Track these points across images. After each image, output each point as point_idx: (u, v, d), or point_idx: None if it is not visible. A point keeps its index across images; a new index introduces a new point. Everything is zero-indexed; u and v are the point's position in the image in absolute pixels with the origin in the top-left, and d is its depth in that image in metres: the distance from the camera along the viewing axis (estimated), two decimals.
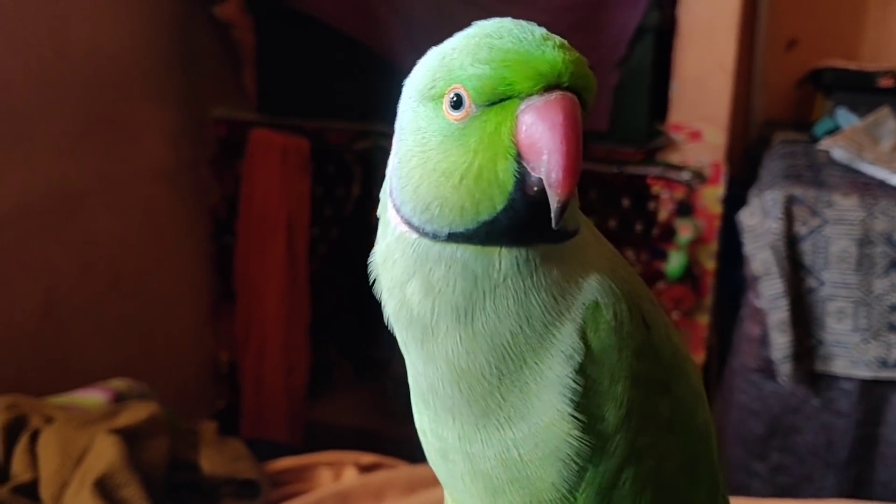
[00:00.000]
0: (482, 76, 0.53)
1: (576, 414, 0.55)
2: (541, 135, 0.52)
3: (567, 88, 0.52)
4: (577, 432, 0.55)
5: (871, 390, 1.75)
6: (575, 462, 0.55)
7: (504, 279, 0.54)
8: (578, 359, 0.55)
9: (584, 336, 0.55)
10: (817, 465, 1.80)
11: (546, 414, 0.55)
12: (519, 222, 0.54)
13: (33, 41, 1.75)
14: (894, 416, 1.75)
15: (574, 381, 0.55)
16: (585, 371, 0.55)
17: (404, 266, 0.58)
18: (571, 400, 0.55)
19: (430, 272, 0.57)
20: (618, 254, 0.62)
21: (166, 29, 2.14)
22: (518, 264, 0.55)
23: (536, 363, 0.55)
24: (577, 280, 0.56)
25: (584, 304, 0.56)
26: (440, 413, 0.59)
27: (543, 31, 0.54)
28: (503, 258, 0.55)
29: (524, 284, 0.55)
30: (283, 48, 2.25)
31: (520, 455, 0.56)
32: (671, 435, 0.58)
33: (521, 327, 0.55)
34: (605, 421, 0.55)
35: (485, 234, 0.54)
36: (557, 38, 0.54)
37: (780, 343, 1.72)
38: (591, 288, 0.56)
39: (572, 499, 0.56)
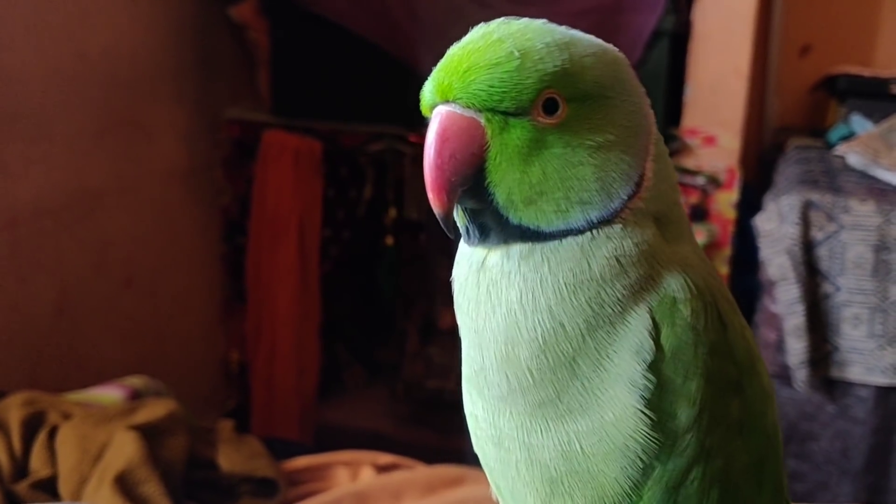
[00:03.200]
0: None
1: (646, 411, 0.54)
2: None
3: (462, 100, 0.54)
4: (645, 429, 0.54)
5: (887, 397, 1.74)
6: (641, 459, 0.55)
7: (498, 275, 0.57)
8: (649, 355, 0.54)
9: (655, 332, 0.55)
10: (833, 473, 1.79)
11: (613, 409, 0.55)
12: (469, 224, 0.57)
13: (52, 42, 1.76)
14: None
15: (646, 378, 0.54)
16: (659, 368, 0.54)
17: (456, 259, 0.62)
18: (642, 397, 0.54)
19: (459, 264, 0.61)
20: (698, 249, 0.62)
21: (182, 30, 2.15)
22: (503, 262, 0.57)
23: (596, 360, 0.55)
24: (631, 275, 0.55)
25: (652, 299, 0.55)
26: (493, 402, 0.59)
27: (476, 35, 0.55)
28: (490, 255, 0.57)
29: (526, 281, 0.56)
30: (298, 50, 2.25)
31: (581, 448, 0.56)
32: (740, 435, 0.58)
33: (551, 324, 0.55)
34: (676, 419, 0.55)
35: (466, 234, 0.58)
36: (469, 46, 0.55)
37: (796, 349, 1.72)
38: (662, 283, 0.56)
39: (636, 496, 0.56)
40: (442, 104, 0.55)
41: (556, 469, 0.57)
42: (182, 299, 2.28)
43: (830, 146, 2.08)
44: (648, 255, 0.57)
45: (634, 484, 0.55)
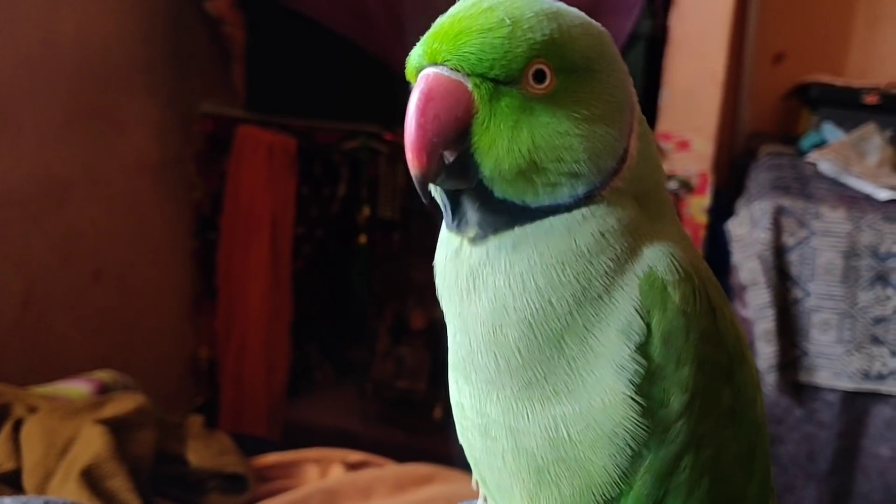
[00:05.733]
0: None
1: (636, 397, 0.54)
2: None
3: (451, 62, 0.53)
4: (635, 416, 0.54)
5: (853, 402, 1.76)
6: (630, 446, 0.54)
7: (481, 264, 0.56)
8: (638, 338, 0.54)
9: (645, 315, 0.54)
10: (799, 476, 1.81)
11: (602, 394, 0.54)
12: (447, 208, 0.56)
13: (22, 29, 1.73)
14: (875, 427, 1.77)
15: (636, 363, 0.54)
16: (649, 353, 0.54)
17: (438, 243, 0.61)
18: (631, 382, 0.54)
19: (439, 249, 0.60)
20: (683, 231, 0.62)
21: (156, 22, 2.13)
22: (486, 252, 0.56)
23: (583, 338, 0.54)
24: (616, 247, 0.55)
25: (637, 273, 0.55)
26: (481, 385, 0.58)
27: (466, 4, 0.55)
28: (467, 243, 0.57)
29: (513, 266, 0.55)
30: (274, 45, 2.24)
31: (569, 435, 0.55)
32: (731, 423, 0.58)
33: (540, 303, 0.54)
34: (667, 406, 0.54)
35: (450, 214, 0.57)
36: (459, 14, 0.54)
37: (766, 353, 1.73)
38: (648, 264, 0.55)
39: (625, 485, 0.55)
40: (429, 66, 0.54)
41: (542, 458, 0.56)
42: (151, 294, 2.25)
43: (802, 153, 2.10)
44: (632, 229, 0.56)
45: (624, 472, 0.55)
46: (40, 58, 1.78)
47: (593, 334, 0.54)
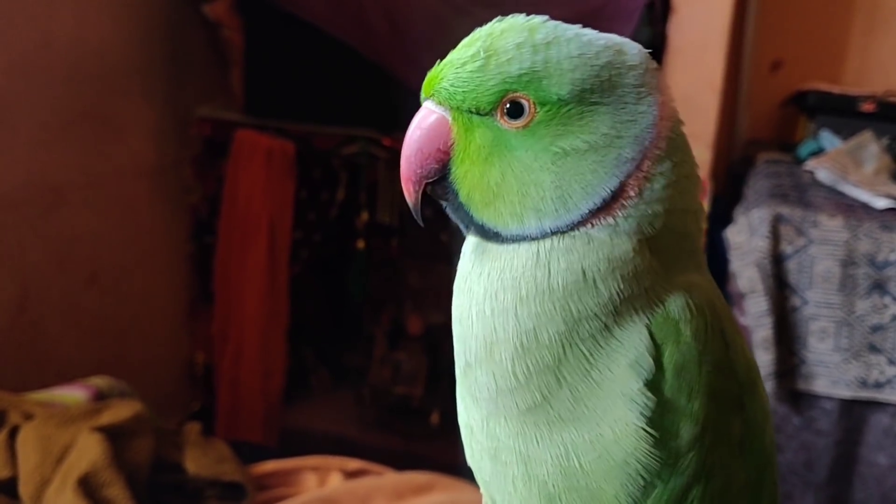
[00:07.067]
0: None
1: (648, 429, 0.53)
2: None
3: (434, 97, 0.56)
4: (647, 447, 0.54)
5: (851, 410, 1.76)
6: (642, 476, 0.54)
7: (470, 266, 0.58)
8: (646, 372, 0.53)
9: (655, 347, 0.54)
10: (797, 484, 1.81)
11: (612, 424, 0.54)
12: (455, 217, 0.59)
13: (17, 31, 1.72)
14: (873, 436, 1.77)
15: (645, 396, 0.53)
16: (660, 386, 0.53)
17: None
18: (642, 414, 0.53)
19: (463, 259, 0.62)
20: (709, 278, 0.61)
21: (154, 25, 2.12)
22: (473, 255, 0.58)
23: (585, 370, 0.54)
24: (604, 293, 0.54)
25: (648, 317, 0.54)
26: (485, 406, 0.58)
27: (474, 36, 0.56)
28: (467, 243, 0.59)
29: (490, 279, 0.56)
30: (272, 49, 2.23)
31: (580, 464, 0.55)
32: (740, 454, 0.57)
33: (516, 327, 0.55)
34: (679, 437, 0.54)
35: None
36: (460, 43, 0.56)
37: (764, 361, 1.73)
38: (660, 303, 0.55)
39: None
40: (426, 99, 0.57)
41: (553, 485, 0.56)
42: (147, 298, 2.24)
43: (800, 161, 2.11)
44: (633, 274, 0.54)
45: (634, 502, 0.55)
46: (36, 61, 1.77)
47: (597, 369, 0.54)
